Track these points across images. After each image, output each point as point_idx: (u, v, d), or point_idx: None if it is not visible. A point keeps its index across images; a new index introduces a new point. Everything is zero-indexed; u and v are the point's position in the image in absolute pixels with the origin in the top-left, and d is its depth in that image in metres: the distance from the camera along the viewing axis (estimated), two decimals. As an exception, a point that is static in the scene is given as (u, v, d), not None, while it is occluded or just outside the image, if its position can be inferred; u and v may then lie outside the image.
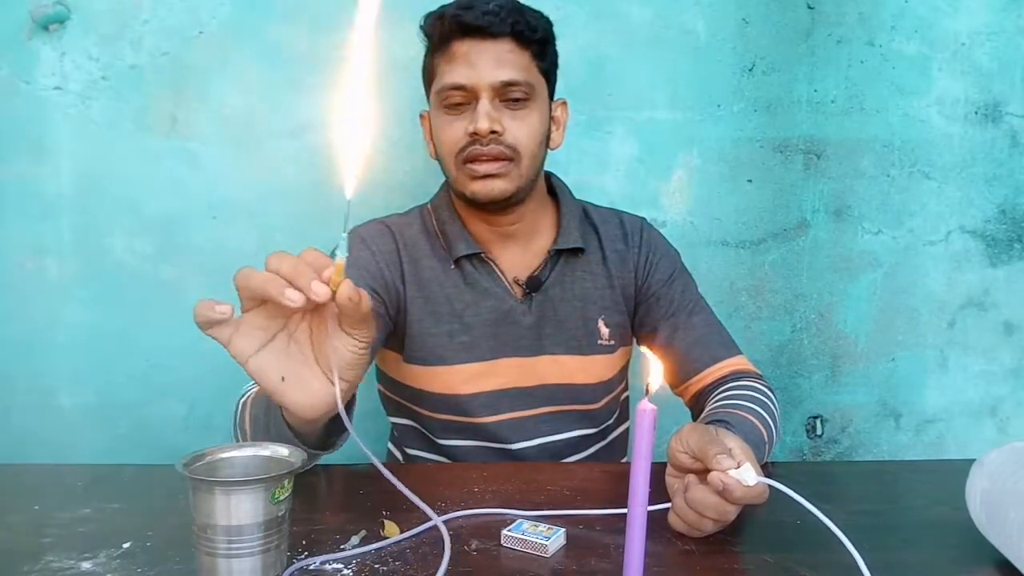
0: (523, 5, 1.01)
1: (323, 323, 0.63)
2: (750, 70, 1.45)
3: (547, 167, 1.11)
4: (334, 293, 0.58)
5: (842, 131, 1.48)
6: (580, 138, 1.42)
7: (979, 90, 1.49)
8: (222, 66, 1.37)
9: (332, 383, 0.63)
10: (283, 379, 0.63)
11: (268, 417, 0.76)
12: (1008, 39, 1.48)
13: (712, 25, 1.43)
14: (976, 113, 1.49)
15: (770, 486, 0.67)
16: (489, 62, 0.97)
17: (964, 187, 1.51)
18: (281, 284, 0.58)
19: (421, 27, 1.03)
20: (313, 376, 0.64)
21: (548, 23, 1.04)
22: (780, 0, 1.44)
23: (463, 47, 0.98)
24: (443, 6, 1.01)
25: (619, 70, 1.43)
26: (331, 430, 0.78)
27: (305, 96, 1.39)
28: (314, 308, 0.62)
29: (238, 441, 0.81)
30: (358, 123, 0.56)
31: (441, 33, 0.99)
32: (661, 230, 1.17)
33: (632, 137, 1.45)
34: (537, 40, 1.00)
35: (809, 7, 1.44)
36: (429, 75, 1.04)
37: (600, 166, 1.45)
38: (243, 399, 0.85)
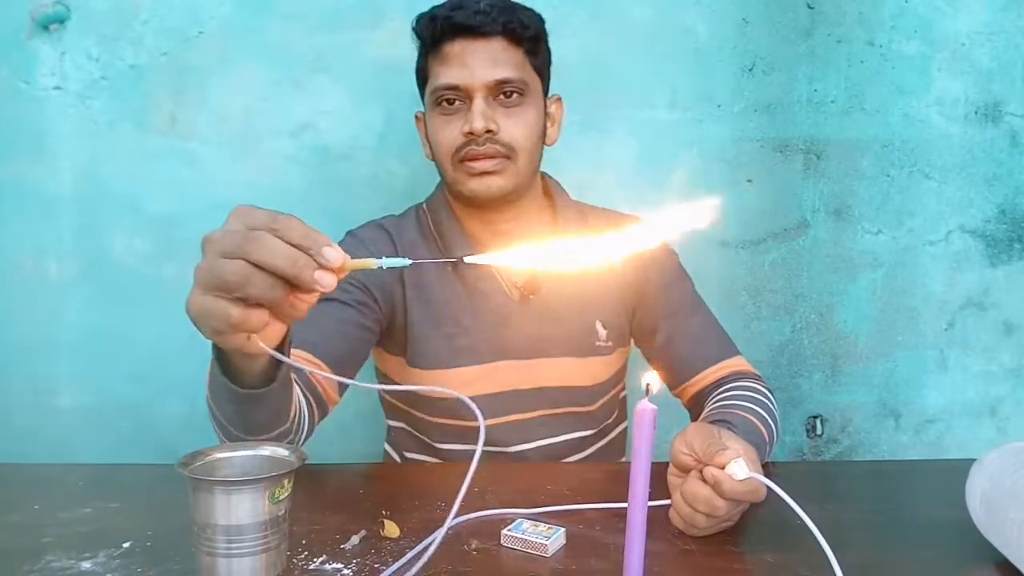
0: (514, 3, 1.01)
1: None
2: (750, 70, 1.45)
3: (547, 168, 1.11)
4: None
5: (842, 131, 1.48)
6: (579, 138, 1.42)
7: (979, 90, 1.49)
8: (222, 66, 1.37)
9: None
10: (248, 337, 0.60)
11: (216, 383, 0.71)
12: (1008, 39, 1.48)
13: (712, 25, 1.43)
14: (976, 113, 1.49)
15: (762, 485, 0.67)
16: (482, 61, 0.97)
17: (964, 187, 1.51)
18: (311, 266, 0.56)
19: (413, 29, 1.03)
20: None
21: (540, 20, 1.04)
22: (780, 0, 1.44)
23: (455, 47, 0.98)
24: (434, 7, 1.01)
25: (619, 70, 1.43)
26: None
27: (305, 96, 1.39)
28: None
29: (223, 435, 0.78)
30: None
31: (433, 34, 0.99)
32: (661, 230, 1.17)
33: (632, 137, 1.45)
34: (529, 38, 1.00)
35: (809, 7, 1.44)
36: (423, 77, 1.04)
37: (599, 166, 1.45)
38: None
